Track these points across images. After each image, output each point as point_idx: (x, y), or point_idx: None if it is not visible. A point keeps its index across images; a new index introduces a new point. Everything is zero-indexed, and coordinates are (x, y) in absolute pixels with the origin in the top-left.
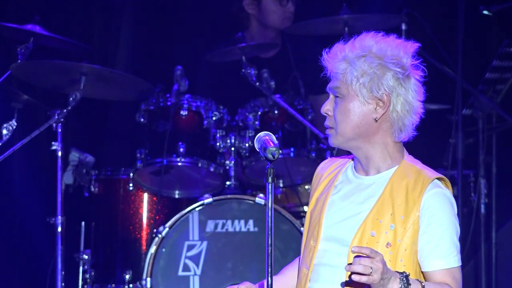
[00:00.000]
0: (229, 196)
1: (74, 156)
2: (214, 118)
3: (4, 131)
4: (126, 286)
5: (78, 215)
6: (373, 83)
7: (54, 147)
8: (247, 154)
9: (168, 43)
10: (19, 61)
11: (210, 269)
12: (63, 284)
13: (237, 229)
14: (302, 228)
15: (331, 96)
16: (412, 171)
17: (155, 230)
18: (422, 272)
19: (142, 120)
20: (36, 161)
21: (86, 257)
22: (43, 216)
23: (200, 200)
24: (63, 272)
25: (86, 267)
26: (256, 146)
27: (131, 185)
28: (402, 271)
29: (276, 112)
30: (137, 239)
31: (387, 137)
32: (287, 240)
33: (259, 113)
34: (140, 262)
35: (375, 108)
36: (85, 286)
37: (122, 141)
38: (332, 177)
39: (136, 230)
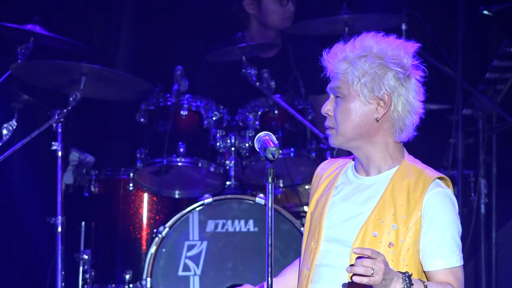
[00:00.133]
0: (229, 196)
1: (74, 156)
2: (214, 118)
3: (4, 131)
4: (126, 286)
5: (78, 215)
6: (374, 83)
7: (54, 147)
8: (247, 154)
9: (168, 43)
10: (19, 61)
11: (210, 269)
12: (63, 284)
13: (237, 229)
14: (302, 228)
15: (332, 96)
16: (413, 171)
17: (155, 230)
18: (424, 271)
19: (142, 120)
20: (36, 161)
21: (86, 257)
22: (43, 216)
23: (200, 200)
24: (63, 272)
25: (86, 267)
26: (256, 146)
27: (131, 185)
28: (404, 271)
29: (276, 112)
30: (137, 239)
31: (388, 137)
32: (287, 240)
33: (259, 113)
34: (140, 262)
35: (376, 108)
36: (85, 286)
37: (122, 141)
38: (332, 178)
39: (136, 230)
